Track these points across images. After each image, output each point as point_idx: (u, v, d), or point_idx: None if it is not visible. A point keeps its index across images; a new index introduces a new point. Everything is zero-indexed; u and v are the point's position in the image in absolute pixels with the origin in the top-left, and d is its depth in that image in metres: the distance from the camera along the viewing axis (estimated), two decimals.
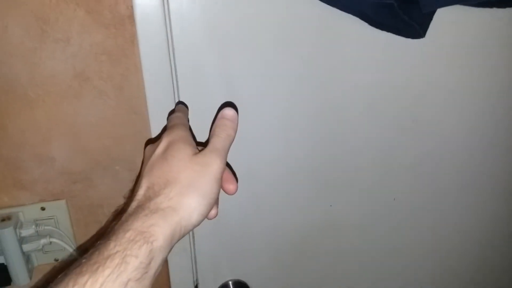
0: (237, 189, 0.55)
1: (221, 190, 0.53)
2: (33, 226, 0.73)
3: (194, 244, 0.86)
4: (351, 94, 0.79)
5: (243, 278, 0.92)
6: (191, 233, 0.85)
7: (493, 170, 0.91)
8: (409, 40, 0.73)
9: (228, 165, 0.55)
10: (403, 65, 0.78)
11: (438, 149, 0.87)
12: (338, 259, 0.94)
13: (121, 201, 0.79)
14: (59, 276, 0.40)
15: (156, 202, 0.44)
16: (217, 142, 0.52)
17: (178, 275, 0.88)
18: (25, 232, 0.72)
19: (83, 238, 0.81)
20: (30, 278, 0.76)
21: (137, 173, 0.78)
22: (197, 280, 0.90)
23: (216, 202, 0.51)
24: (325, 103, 0.79)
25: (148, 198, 0.45)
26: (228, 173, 0.54)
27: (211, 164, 0.49)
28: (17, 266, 0.72)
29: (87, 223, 0.80)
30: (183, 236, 0.46)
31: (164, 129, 0.57)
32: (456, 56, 0.79)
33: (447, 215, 0.94)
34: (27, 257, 0.75)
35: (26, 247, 0.73)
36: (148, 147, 0.55)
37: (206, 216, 0.48)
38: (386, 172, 0.87)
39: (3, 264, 0.72)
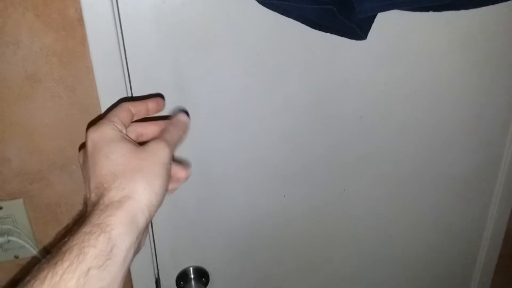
0: (189, 175, 0.57)
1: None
2: None
3: (153, 234, 0.89)
4: (300, 91, 0.82)
5: (202, 265, 0.95)
6: (149, 224, 0.88)
7: (435, 162, 0.97)
8: (354, 41, 0.77)
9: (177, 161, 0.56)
10: (348, 65, 0.82)
11: (383, 143, 0.92)
12: (291, 245, 0.99)
13: (78, 200, 0.81)
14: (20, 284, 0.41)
15: (109, 197, 0.45)
16: (167, 135, 0.53)
17: (140, 270, 0.91)
18: None
19: (42, 236, 0.83)
20: None
21: None
22: (158, 271, 0.93)
23: (171, 178, 0.52)
24: (275, 99, 0.82)
25: (100, 197, 0.46)
26: (176, 164, 0.55)
27: (158, 150, 0.50)
28: None
29: (46, 221, 0.82)
30: (152, 216, 0.47)
31: None
32: (398, 56, 0.84)
33: (395, 205, 1.00)
34: None
35: None
36: (80, 153, 0.55)
37: (165, 193, 0.49)
38: (336, 165, 0.91)
39: None
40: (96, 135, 0.50)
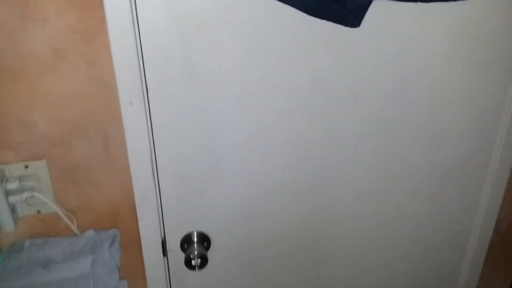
0: None
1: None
2: (17, 181, 0.85)
3: (160, 198, 0.98)
4: (300, 72, 0.89)
5: (205, 230, 1.04)
6: (157, 194, 0.97)
7: (429, 151, 1.02)
8: (349, 28, 0.83)
9: None
10: (343, 50, 0.88)
11: (378, 128, 0.98)
12: (291, 215, 1.06)
13: (94, 164, 0.91)
14: None
15: None
16: None
17: (147, 231, 1.00)
18: (10, 186, 0.84)
19: (62, 194, 0.93)
20: (15, 225, 0.88)
21: (107, 140, 0.89)
22: (164, 234, 1.02)
23: None
24: (276, 79, 0.90)
25: None
26: None
27: None
28: (3, 214, 0.85)
29: (65, 182, 0.92)
30: None
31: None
32: (391, 44, 0.89)
33: (389, 194, 1.07)
34: (12, 208, 0.87)
35: (11, 198, 0.85)
36: None
37: None
38: (333, 146, 0.98)
39: None
40: None
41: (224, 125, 0.93)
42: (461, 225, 1.17)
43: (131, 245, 1.01)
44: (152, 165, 0.93)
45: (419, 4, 0.83)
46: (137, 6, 0.79)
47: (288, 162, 0.99)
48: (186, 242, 1.04)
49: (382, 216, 1.10)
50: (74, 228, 0.93)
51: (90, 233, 0.93)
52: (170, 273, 1.07)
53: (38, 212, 0.92)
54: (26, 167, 0.88)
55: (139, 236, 1.00)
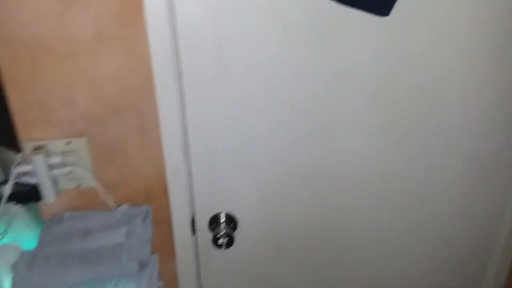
0: None
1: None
2: (59, 156, 0.92)
3: (191, 179, 1.02)
4: (325, 56, 0.91)
5: (232, 212, 1.09)
6: (188, 174, 1.01)
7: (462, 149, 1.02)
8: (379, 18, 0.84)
9: None
10: (372, 39, 0.89)
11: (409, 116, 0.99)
12: (315, 203, 1.09)
13: (130, 143, 0.96)
14: None
15: None
16: None
17: (178, 209, 1.05)
18: (52, 160, 0.91)
19: (100, 171, 0.99)
20: (56, 197, 0.94)
21: (143, 120, 0.94)
22: (194, 213, 1.07)
23: None
24: (302, 63, 0.92)
25: None
26: None
27: None
28: (46, 186, 0.91)
29: (103, 159, 0.98)
30: None
31: None
32: (420, 34, 0.89)
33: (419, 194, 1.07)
34: (54, 181, 0.93)
35: (54, 172, 0.91)
36: None
37: None
38: (363, 133, 1.00)
39: (35, 184, 0.91)
40: None
41: (254, 110, 0.96)
42: (489, 221, 1.17)
43: (162, 222, 1.06)
44: (183, 146, 0.97)
45: None
46: None
47: (317, 148, 1.02)
48: (214, 222, 1.09)
49: (417, 209, 1.12)
50: (110, 202, 0.99)
51: (125, 207, 0.99)
52: (198, 251, 1.12)
53: (78, 186, 0.99)
54: (68, 143, 0.94)
55: (170, 214, 1.06)
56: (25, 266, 0.85)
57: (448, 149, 1.04)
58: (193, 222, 1.08)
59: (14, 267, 0.85)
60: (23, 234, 0.95)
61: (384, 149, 1.03)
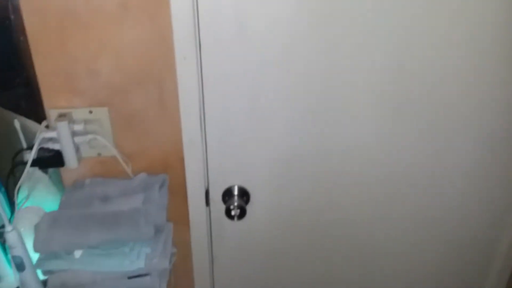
0: None
1: None
2: (82, 124, 0.95)
3: (206, 152, 1.06)
4: (342, 34, 0.93)
5: (245, 185, 1.12)
6: (204, 146, 1.04)
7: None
8: None
9: None
10: (393, 17, 0.91)
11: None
12: (328, 177, 1.12)
13: (149, 113, 0.99)
14: None
15: None
16: None
17: (193, 179, 1.08)
18: (76, 127, 0.94)
19: (120, 139, 1.03)
20: (78, 164, 0.98)
21: (163, 91, 0.97)
22: (208, 185, 1.10)
23: None
24: (319, 43, 0.94)
25: None
26: None
27: None
28: (69, 152, 0.95)
29: (124, 128, 1.01)
30: None
31: None
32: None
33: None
34: (76, 148, 0.97)
35: (76, 139, 0.95)
36: None
37: None
38: (379, 114, 1.02)
39: (58, 150, 0.95)
40: None
41: (270, 83, 0.99)
42: (492, 223, 1.20)
43: (178, 192, 1.09)
44: (200, 117, 1.00)
45: None
46: None
47: (331, 124, 1.04)
48: (227, 194, 1.12)
49: (422, 209, 1.16)
50: (129, 171, 1.03)
51: (143, 176, 1.02)
52: (212, 221, 1.16)
53: (99, 154, 1.02)
54: (91, 112, 0.97)
55: (185, 185, 1.09)
56: (47, 226, 0.89)
57: (455, 148, 1.07)
58: (207, 193, 1.11)
59: (37, 227, 0.89)
60: (45, 198, 1.00)
61: (393, 132, 1.05)
